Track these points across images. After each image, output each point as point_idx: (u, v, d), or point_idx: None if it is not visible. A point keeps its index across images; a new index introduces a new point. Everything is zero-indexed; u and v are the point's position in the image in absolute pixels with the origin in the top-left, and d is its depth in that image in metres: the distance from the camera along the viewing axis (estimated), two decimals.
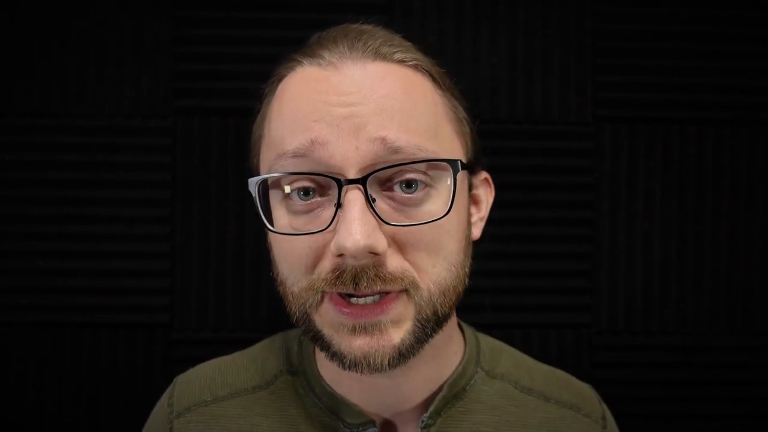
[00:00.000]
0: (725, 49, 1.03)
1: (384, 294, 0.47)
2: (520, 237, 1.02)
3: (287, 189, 0.49)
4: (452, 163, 0.48)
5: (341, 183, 0.45)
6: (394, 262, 0.47)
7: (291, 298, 0.50)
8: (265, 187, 0.51)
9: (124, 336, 1.01)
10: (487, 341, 0.63)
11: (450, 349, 0.57)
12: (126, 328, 1.01)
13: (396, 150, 0.46)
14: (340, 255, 0.45)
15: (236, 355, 0.63)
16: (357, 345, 0.47)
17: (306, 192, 0.48)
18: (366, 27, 0.53)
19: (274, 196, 0.51)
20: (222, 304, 1.01)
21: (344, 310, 0.47)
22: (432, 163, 0.47)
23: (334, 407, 0.55)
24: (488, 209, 0.60)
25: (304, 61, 0.51)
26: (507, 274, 1.02)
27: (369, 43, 0.50)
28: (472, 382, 0.57)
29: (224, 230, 1.01)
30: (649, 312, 1.03)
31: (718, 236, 1.04)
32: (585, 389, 0.64)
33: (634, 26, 1.03)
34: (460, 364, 0.57)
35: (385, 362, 0.47)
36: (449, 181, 0.48)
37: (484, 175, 0.59)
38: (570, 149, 1.03)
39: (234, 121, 1.01)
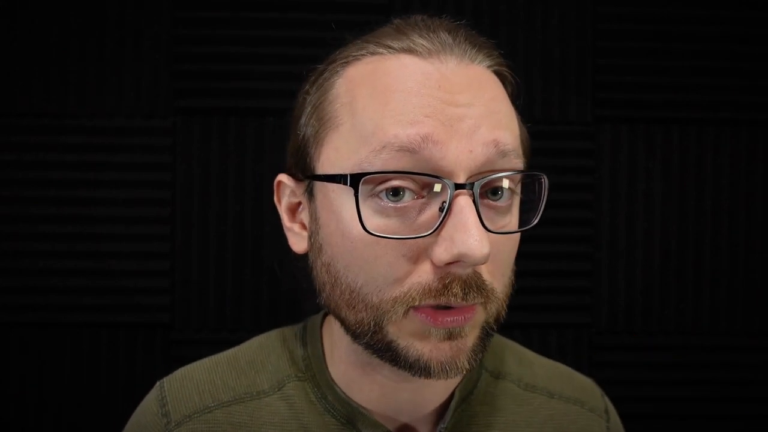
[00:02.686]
0: (725, 49, 1.03)
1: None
2: (520, 237, 1.02)
3: (379, 187, 0.44)
4: (546, 177, 0.48)
5: (452, 186, 0.42)
6: (486, 273, 0.46)
7: (363, 307, 0.46)
8: (338, 179, 0.45)
9: (124, 336, 1.01)
10: None
11: None
12: (126, 328, 1.01)
13: (504, 153, 0.45)
14: (449, 264, 0.43)
15: (228, 354, 0.58)
16: (444, 350, 0.45)
17: (396, 192, 0.44)
18: (456, 23, 0.51)
19: (357, 193, 0.44)
20: (222, 304, 1.01)
21: (433, 319, 0.44)
22: (530, 174, 0.48)
23: (349, 415, 0.52)
24: None
25: (394, 45, 0.47)
26: None
27: (466, 43, 0.48)
28: (478, 384, 0.57)
29: (224, 230, 1.01)
30: (649, 312, 1.03)
31: (718, 236, 1.04)
32: (587, 383, 0.63)
33: (634, 26, 1.03)
34: None
35: (466, 365, 0.46)
36: (534, 191, 0.48)
37: None
38: (570, 149, 1.03)
39: (234, 121, 1.01)
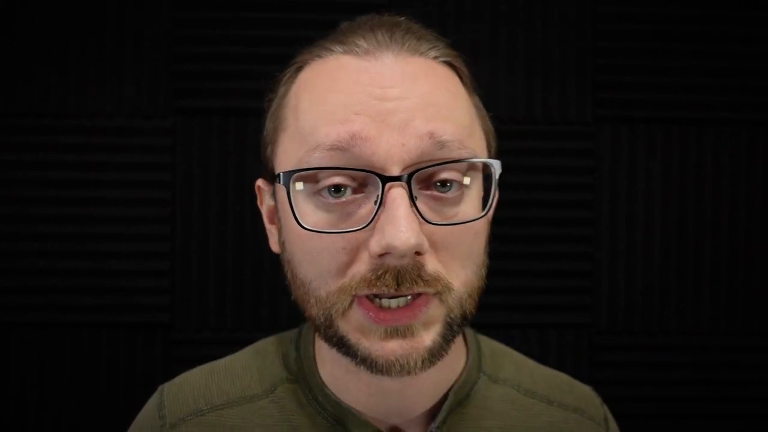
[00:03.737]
0: (725, 49, 1.03)
1: (415, 296, 0.45)
2: (520, 237, 1.02)
3: (319, 185, 0.46)
4: (495, 164, 0.47)
5: (385, 180, 0.43)
6: (432, 263, 0.45)
7: (314, 302, 0.47)
8: (287, 180, 0.47)
9: (124, 336, 1.01)
10: (488, 344, 0.62)
11: (455, 352, 0.55)
12: (126, 328, 1.01)
13: (442, 145, 0.45)
14: (382, 255, 0.44)
15: (227, 360, 0.59)
16: (390, 348, 0.45)
17: (337, 189, 0.45)
18: (398, 18, 0.51)
19: (301, 192, 0.47)
20: (222, 304, 1.01)
21: (375, 315, 0.45)
22: (470, 163, 0.46)
23: (339, 416, 0.53)
24: (493, 208, 0.59)
25: (335, 49, 0.49)
26: (507, 273, 1.02)
27: (407, 37, 0.49)
28: (475, 387, 0.56)
29: (224, 230, 1.01)
30: (649, 312, 1.03)
31: (718, 236, 1.04)
32: (587, 392, 0.63)
33: (634, 26, 1.03)
34: (464, 370, 0.56)
35: (419, 364, 0.46)
36: (481, 180, 0.48)
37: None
38: (570, 149, 1.03)
39: (234, 121, 1.01)
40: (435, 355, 0.47)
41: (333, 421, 0.53)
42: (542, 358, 0.69)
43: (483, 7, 1.02)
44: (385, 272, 0.44)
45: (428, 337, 0.46)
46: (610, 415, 0.63)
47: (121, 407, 1.00)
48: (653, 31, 1.03)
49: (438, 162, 0.45)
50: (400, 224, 0.42)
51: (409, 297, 0.45)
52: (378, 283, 0.44)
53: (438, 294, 0.46)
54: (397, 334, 0.45)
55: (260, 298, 1.01)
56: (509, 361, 0.61)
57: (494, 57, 1.03)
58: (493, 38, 1.03)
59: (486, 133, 0.52)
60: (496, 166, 0.47)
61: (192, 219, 1.01)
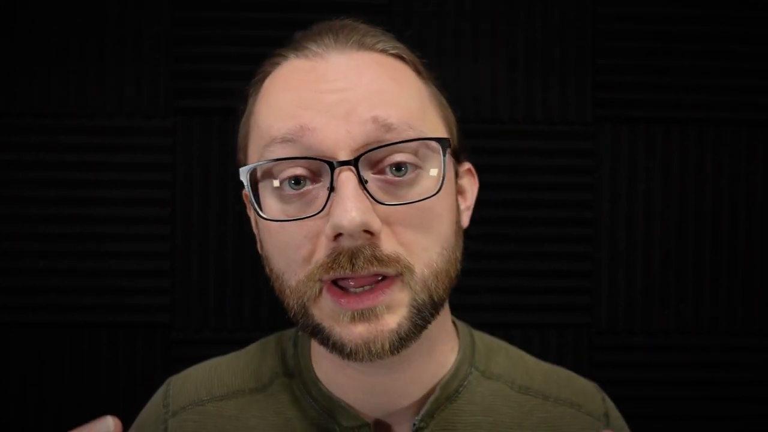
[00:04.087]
0: (725, 49, 1.03)
1: (378, 281, 0.47)
2: (520, 237, 1.02)
3: (278, 179, 0.48)
4: (442, 141, 0.48)
5: (333, 165, 0.46)
6: (389, 244, 0.47)
7: (288, 293, 0.49)
8: (254, 179, 0.50)
9: (124, 336, 1.01)
10: (483, 339, 0.62)
11: (445, 344, 0.57)
12: (126, 328, 1.01)
13: (388, 127, 0.47)
14: (336, 237, 0.45)
15: (232, 355, 0.63)
16: (357, 332, 0.46)
17: (297, 181, 0.48)
18: (347, 21, 0.54)
19: (265, 187, 0.50)
20: (222, 304, 1.01)
21: (341, 300, 0.47)
22: (423, 142, 0.48)
23: (329, 409, 0.55)
24: (474, 200, 0.59)
25: (290, 55, 0.52)
26: (507, 273, 1.02)
27: (352, 35, 0.51)
28: (465, 383, 0.57)
29: (224, 230, 1.01)
30: (649, 312, 1.03)
31: (718, 236, 1.04)
32: (588, 387, 0.62)
33: (634, 26, 1.03)
34: (453, 364, 0.57)
35: (386, 347, 0.46)
36: (439, 162, 0.48)
37: (467, 165, 0.59)
38: (570, 149, 1.03)
39: (234, 121, 1.01)
40: (404, 338, 0.47)
41: (325, 414, 0.55)
42: (542, 358, 0.69)
43: (483, 7, 1.03)
44: (340, 254, 0.46)
45: (393, 320, 0.47)
46: (613, 411, 0.62)
47: (121, 407, 1.00)
48: (653, 31, 1.03)
49: (384, 144, 0.46)
50: (346, 205, 0.44)
51: (373, 285, 0.47)
52: (335, 266, 0.46)
53: (400, 276, 0.47)
54: (363, 318, 0.47)
55: (260, 298, 1.01)
56: (504, 357, 0.61)
57: (494, 57, 1.03)
58: (493, 38, 1.03)
59: (446, 121, 0.54)
60: (443, 144, 0.48)
61: (192, 219, 1.01)
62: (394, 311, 0.47)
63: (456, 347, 0.58)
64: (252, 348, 0.63)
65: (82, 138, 1.00)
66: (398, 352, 0.47)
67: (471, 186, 0.59)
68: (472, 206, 0.59)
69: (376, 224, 0.45)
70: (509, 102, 1.03)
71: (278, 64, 0.53)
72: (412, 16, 1.02)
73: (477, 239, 1.00)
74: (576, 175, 1.03)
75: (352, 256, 0.45)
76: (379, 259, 0.46)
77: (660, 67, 1.03)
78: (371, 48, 0.51)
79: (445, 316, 0.56)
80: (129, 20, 1.01)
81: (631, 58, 1.03)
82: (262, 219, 0.49)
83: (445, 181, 0.48)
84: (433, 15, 1.02)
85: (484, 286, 1.01)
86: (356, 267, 0.46)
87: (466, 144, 0.58)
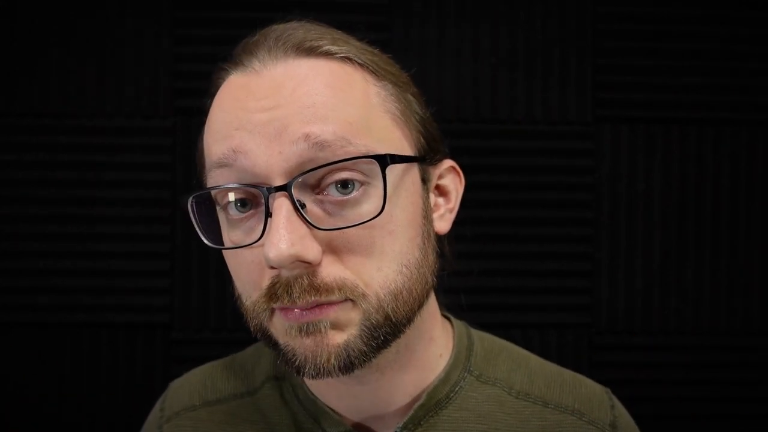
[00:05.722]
0: (725, 49, 1.03)
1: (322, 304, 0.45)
2: (520, 237, 1.02)
3: (221, 204, 0.47)
4: (379, 158, 0.44)
5: (266, 192, 0.43)
6: (331, 271, 0.44)
7: (246, 314, 0.48)
8: (209, 200, 0.48)
9: (124, 336, 1.01)
10: (484, 342, 0.59)
11: (432, 352, 0.54)
12: (126, 328, 1.01)
13: (321, 145, 0.43)
14: (273, 267, 0.43)
15: (228, 359, 0.62)
16: (306, 344, 0.45)
17: (243, 203, 0.45)
18: (292, 24, 0.51)
19: (218, 210, 0.48)
20: (222, 304, 1.01)
21: (288, 314, 0.44)
22: (360, 160, 0.43)
23: (315, 414, 0.54)
24: (458, 199, 0.55)
25: (231, 70, 0.50)
26: (507, 273, 1.02)
27: (290, 41, 0.48)
28: (457, 388, 0.54)
29: None
30: (649, 312, 1.03)
31: (718, 236, 1.04)
32: (596, 393, 0.59)
33: (634, 26, 1.03)
34: (443, 369, 0.54)
35: (332, 363, 0.44)
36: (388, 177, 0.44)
37: (448, 163, 0.54)
38: (570, 149, 1.03)
39: None
40: (356, 358, 0.45)
41: (311, 418, 0.55)
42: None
43: (483, 7, 1.02)
44: (276, 283, 0.44)
45: (339, 337, 0.45)
46: (622, 421, 0.59)
47: (121, 407, 1.00)
48: (653, 31, 1.03)
49: (318, 166, 0.43)
50: (276, 236, 0.41)
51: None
52: (273, 297, 0.44)
53: (349, 300, 0.44)
54: (308, 332, 0.44)
55: None
56: (506, 360, 0.58)
57: (494, 57, 1.03)
58: (493, 38, 1.03)
59: (404, 126, 0.49)
60: (381, 161, 0.44)
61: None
62: (341, 329, 0.45)
63: (447, 353, 0.56)
64: (249, 351, 0.63)
65: (82, 138, 1.00)
66: (351, 370, 0.45)
67: (455, 185, 0.55)
68: (456, 207, 0.54)
69: (310, 254, 0.42)
70: (509, 102, 1.03)
71: (222, 78, 0.51)
72: (412, 16, 1.02)
73: (477, 239, 1.00)
74: (576, 175, 1.03)
75: (288, 287, 0.43)
76: (317, 288, 0.43)
77: (660, 67, 1.03)
78: (312, 53, 0.47)
79: (431, 323, 0.54)
80: (129, 20, 1.01)
81: (631, 58, 1.03)
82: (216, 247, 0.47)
83: (397, 195, 0.45)
84: (433, 15, 1.02)
85: (485, 285, 1.01)
86: (293, 297, 0.43)
87: (444, 142, 0.53)
